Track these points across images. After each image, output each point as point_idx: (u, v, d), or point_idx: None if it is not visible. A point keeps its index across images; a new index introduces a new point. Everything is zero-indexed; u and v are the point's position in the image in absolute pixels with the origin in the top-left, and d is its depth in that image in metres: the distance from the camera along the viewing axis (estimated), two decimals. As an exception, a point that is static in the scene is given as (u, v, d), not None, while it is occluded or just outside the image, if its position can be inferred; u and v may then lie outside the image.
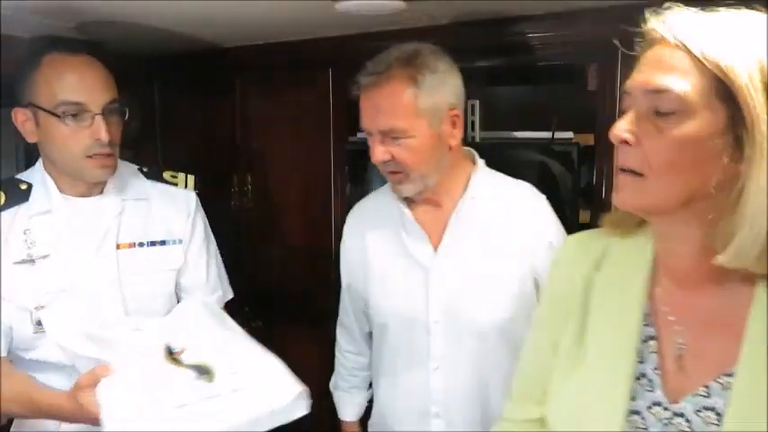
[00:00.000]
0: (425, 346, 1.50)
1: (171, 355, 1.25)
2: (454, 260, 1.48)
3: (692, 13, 0.80)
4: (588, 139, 1.90)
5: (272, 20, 1.88)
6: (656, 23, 0.82)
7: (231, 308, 1.74)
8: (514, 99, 2.22)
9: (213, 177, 2.36)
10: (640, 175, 0.81)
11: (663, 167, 0.79)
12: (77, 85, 1.38)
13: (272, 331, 2.34)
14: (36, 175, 1.50)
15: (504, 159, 2.02)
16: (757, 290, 0.81)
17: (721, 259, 0.78)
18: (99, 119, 1.39)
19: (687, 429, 0.83)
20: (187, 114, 2.49)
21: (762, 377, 0.77)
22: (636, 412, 0.87)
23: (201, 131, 2.49)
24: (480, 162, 1.56)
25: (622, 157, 0.83)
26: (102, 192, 1.51)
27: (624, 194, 0.84)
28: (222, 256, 1.72)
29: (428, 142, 1.41)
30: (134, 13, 1.76)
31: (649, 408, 0.87)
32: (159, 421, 1.14)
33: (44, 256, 1.43)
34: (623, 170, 0.83)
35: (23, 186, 1.48)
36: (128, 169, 1.59)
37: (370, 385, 1.73)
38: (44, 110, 1.38)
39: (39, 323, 1.39)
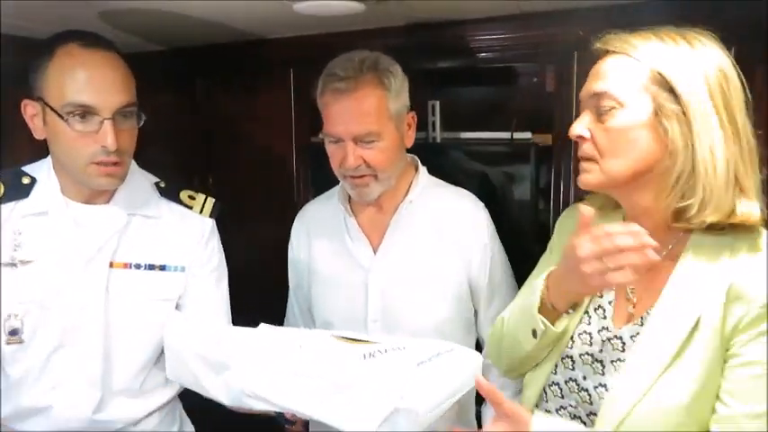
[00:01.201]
0: None
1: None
2: (392, 262, 1.53)
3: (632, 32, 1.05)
4: (546, 140, 1.93)
5: (231, 20, 1.88)
6: (600, 42, 1.06)
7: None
8: (474, 100, 2.24)
9: (173, 179, 2.34)
10: (595, 161, 1.04)
11: (608, 151, 1.02)
12: (87, 84, 1.26)
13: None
14: (43, 170, 1.39)
15: (464, 159, 2.06)
16: (688, 247, 1.02)
17: (692, 212, 0.98)
18: (108, 124, 1.27)
19: (620, 348, 1.05)
20: (146, 115, 2.46)
21: (672, 309, 0.99)
22: (588, 333, 1.11)
23: (161, 132, 2.46)
24: (422, 169, 1.61)
25: (580, 150, 1.06)
26: (108, 201, 1.39)
27: (585, 176, 1.07)
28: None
29: (395, 144, 1.46)
30: (91, 12, 1.73)
31: (599, 331, 1.10)
32: None
33: (27, 262, 1.33)
34: (582, 159, 1.06)
35: (26, 181, 1.37)
36: (143, 181, 1.48)
37: None
38: (51, 108, 1.27)
39: (13, 332, 1.31)
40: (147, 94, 2.42)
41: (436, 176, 1.64)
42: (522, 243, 1.93)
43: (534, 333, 1.09)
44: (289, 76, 2.14)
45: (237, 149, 2.33)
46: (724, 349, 0.95)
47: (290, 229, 1.74)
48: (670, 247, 1.04)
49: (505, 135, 2.02)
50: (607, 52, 1.04)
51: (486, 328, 1.56)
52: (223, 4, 1.67)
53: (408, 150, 1.60)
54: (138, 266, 1.40)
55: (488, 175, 2.02)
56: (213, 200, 1.53)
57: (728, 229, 0.98)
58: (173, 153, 2.42)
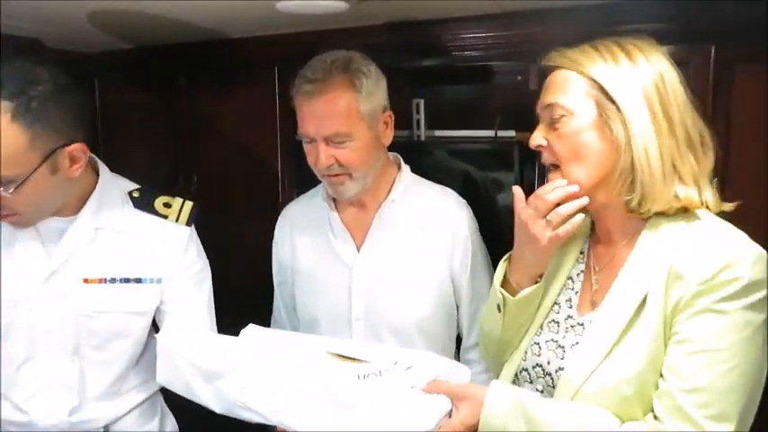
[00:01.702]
0: None
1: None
2: (375, 260, 1.55)
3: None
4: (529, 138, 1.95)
5: (216, 18, 1.87)
6: (545, 59, 1.15)
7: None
8: (459, 98, 2.25)
9: (157, 178, 2.33)
10: (558, 168, 1.12)
11: (566, 157, 1.10)
12: None
13: (223, 331, 2.33)
14: None
15: (447, 157, 2.07)
16: (639, 239, 1.09)
17: (633, 204, 1.07)
18: None
19: (580, 334, 1.13)
20: (129, 113, 2.45)
21: (623, 291, 1.06)
22: (555, 322, 1.19)
23: (144, 130, 2.45)
24: (405, 167, 1.62)
25: (542, 158, 1.15)
26: (76, 213, 1.37)
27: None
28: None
29: (369, 143, 1.47)
30: (74, 10, 1.72)
31: (566, 319, 1.18)
32: None
33: None
34: (549, 168, 1.15)
35: None
36: (115, 192, 1.44)
37: None
38: None
39: None
40: (131, 92, 2.44)
41: (420, 174, 1.65)
42: (506, 240, 1.94)
43: (498, 308, 1.19)
44: (273, 74, 2.14)
45: (223, 148, 2.32)
46: (667, 328, 1.01)
47: (275, 226, 1.74)
48: (628, 237, 1.13)
49: (489, 133, 2.03)
50: (553, 67, 1.13)
51: (467, 324, 1.59)
52: (207, 3, 1.66)
53: (392, 148, 1.61)
54: (113, 281, 1.39)
55: (472, 173, 2.03)
56: (191, 203, 1.49)
57: (680, 214, 1.07)
58: (157, 151, 2.42)
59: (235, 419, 1.25)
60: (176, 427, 1.66)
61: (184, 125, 2.37)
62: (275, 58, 2.10)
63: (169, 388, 1.34)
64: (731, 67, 1.56)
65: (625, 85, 1.05)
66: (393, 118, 1.54)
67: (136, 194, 1.46)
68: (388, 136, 1.53)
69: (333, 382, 1.14)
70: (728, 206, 1.09)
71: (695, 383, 0.96)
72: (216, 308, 2.23)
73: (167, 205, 1.47)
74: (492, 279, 1.60)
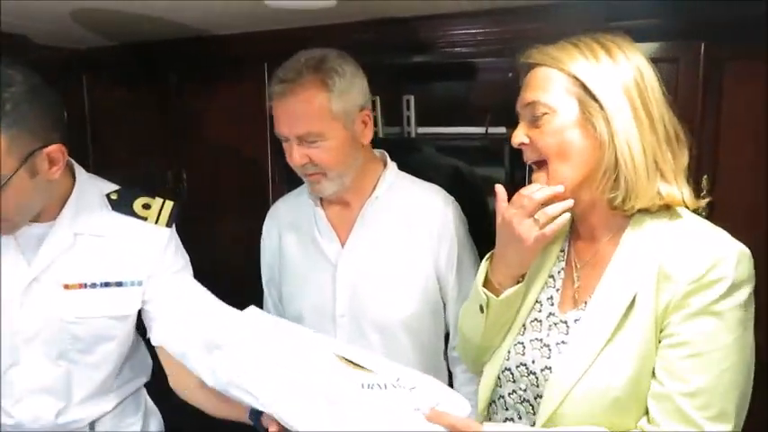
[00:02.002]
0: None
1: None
2: (360, 257, 1.55)
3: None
4: (520, 135, 1.94)
5: (204, 14, 1.86)
6: (523, 56, 1.14)
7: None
8: (449, 95, 2.25)
9: (147, 175, 2.32)
10: (541, 166, 1.11)
11: (552, 153, 1.09)
12: None
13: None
14: None
15: (438, 154, 2.07)
16: (623, 237, 1.09)
17: (617, 201, 1.07)
18: None
19: (564, 332, 1.12)
20: (118, 109, 2.43)
21: (607, 295, 1.06)
22: (538, 320, 1.18)
23: (134, 127, 2.43)
24: (391, 164, 1.62)
25: (525, 156, 1.14)
26: (54, 219, 1.35)
27: (541, 180, 1.12)
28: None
29: (344, 143, 1.46)
30: (59, 7, 1.71)
31: (548, 317, 1.17)
32: None
33: None
34: (533, 167, 1.14)
35: None
36: (93, 196, 1.41)
37: None
38: None
39: None
40: (119, 89, 2.42)
41: (410, 171, 1.64)
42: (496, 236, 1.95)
43: (481, 308, 1.17)
44: (262, 71, 2.13)
45: (212, 145, 2.31)
46: (658, 329, 1.01)
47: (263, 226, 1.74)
48: (611, 234, 1.13)
49: (480, 130, 2.03)
50: (533, 65, 1.12)
51: (454, 322, 1.58)
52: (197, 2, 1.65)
53: (382, 145, 1.60)
54: (93, 285, 1.37)
55: (462, 170, 2.03)
56: (171, 203, 1.47)
57: (662, 212, 1.08)
58: (147, 149, 2.40)
59: (221, 421, 1.25)
60: (162, 425, 1.66)
61: (173, 122, 2.35)
62: (265, 54, 2.08)
63: (166, 347, 1.35)
64: (721, 65, 1.57)
65: (606, 82, 1.05)
66: (372, 117, 1.52)
67: (114, 197, 1.43)
68: (367, 135, 1.52)
69: (336, 384, 1.12)
70: (703, 203, 1.11)
71: (695, 386, 0.97)
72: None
73: (147, 206, 1.45)
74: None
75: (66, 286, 1.35)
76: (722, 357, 0.97)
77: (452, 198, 1.61)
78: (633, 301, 1.03)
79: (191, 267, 1.54)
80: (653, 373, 1.02)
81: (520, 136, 1.13)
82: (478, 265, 1.60)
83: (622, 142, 1.03)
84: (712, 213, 1.41)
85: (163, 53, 2.26)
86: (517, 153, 1.96)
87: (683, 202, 1.07)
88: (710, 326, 0.97)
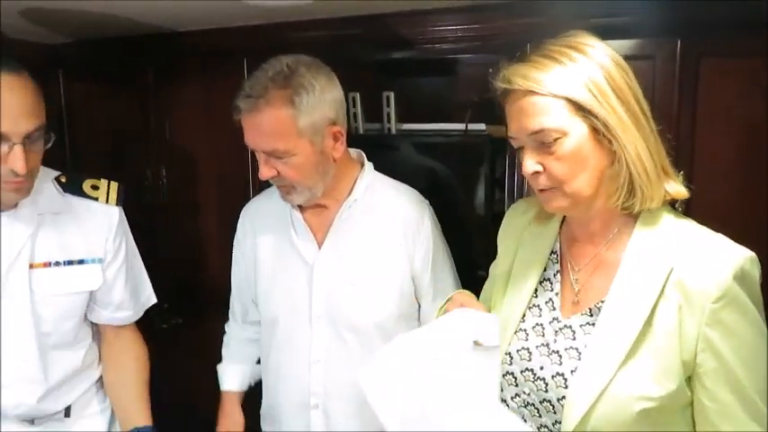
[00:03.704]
0: (308, 339, 1.55)
1: None
2: (336, 259, 1.54)
3: (527, 61, 1.07)
4: (500, 131, 1.95)
5: (182, 9, 1.84)
6: (503, 81, 1.08)
7: (150, 306, 1.71)
8: (429, 91, 2.25)
9: (125, 172, 2.29)
10: (558, 188, 1.07)
11: (568, 176, 1.06)
12: (1, 110, 1.25)
13: (193, 328, 2.31)
14: None
15: (418, 151, 2.07)
16: (631, 240, 1.08)
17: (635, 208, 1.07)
18: (18, 149, 1.26)
19: (571, 337, 1.11)
20: (96, 105, 2.40)
21: (623, 302, 1.05)
22: (540, 325, 1.16)
23: (111, 123, 2.40)
24: (368, 165, 1.61)
25: (538, 184, 1.09)
26: (16, 205, 1.40)
27: (552, 204, 1.11)
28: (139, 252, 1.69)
29: (311, 158, 1.44)
30: (33, 3, 1.68)
31: (550, 322, 1.15)
32: None
33: None
34: (542, 190, 1.10)
35: None
36: (45, 180, 1.47)
37: (259, 362, 1.77)
38: None
39: None
40: (96, 84, 2.39)
41: (391, 167, 1.64)
42: (476, 233, 1.96)
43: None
44: (242, 67, 2.11)
45: (191, 142, 2.29)
46: (685, 351, 1.00)
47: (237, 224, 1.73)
48: (611, 236, 1.13)
49: (460, 126, 2.03)
50: (516, 90, 1.07)
51: (427, 321, 1.57)
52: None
53: (363, 142, 1.60)
54: (57, 264, 1.44)
55: (443, 167, 2.04)
56: (116, 184, 1.56)
57: (665, 208, 1.09)
58: (124, 145, 2.38)
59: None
60: None
61: (151, 118, 2.33)
62: (244, 50, 2.07)
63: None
64: (697, 62, 1.58)
65: (599, 93, 1.03)
66: (344, 133, 1.49)
67: (63, 179, 1.51)
68: (339, 149, 1.48)
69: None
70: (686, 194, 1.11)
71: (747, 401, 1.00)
72: (186, 304, 2.22)
73: (95, 187, 1.53)
74: (454, 276, 1.62)
75: (32, 266, 1.40)
76: (763, 364, 1.00)
77: (426, 201, 1.61)
78: (650, 314, 1.02)
79: (135, 248, 1.63)
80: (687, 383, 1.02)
81: (531, 165, 1.08)
82: (452, 265, 1.62)
83: (629, 147, 1.02)
84: (688, 210, 1.43)
85: (140, 48, 2.23)
86: (497, 149, 1.98)
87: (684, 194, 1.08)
88: (748, 340, 0.99)
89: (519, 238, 1.28)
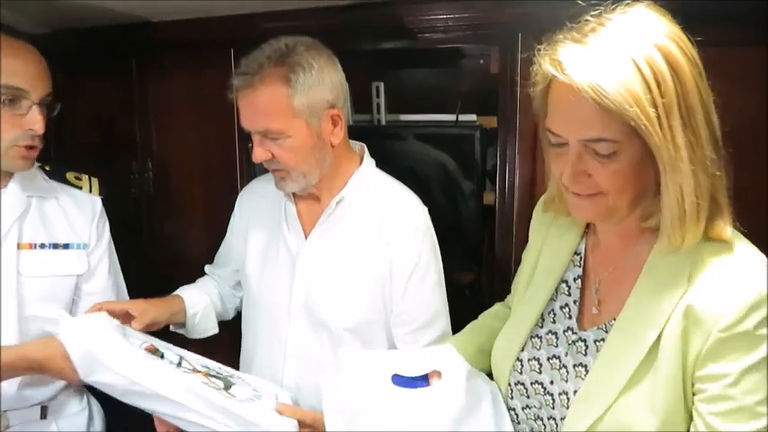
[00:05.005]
0: (285, 331, 1.53)
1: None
2: (319, 253, 1.50)
3: (587, 45, 0.92)
4: (491, 122, 1.94)
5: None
6: (556, 70, 0.92)
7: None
8: (420, 82, 2.24)
9: (111, 164, 2.27)
10: (600, 194, 0.97)
11: (615, 189, 0.96)
12: (22, 70, 1.34)
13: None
14: None
15: (409, 141, 2.06)
16: (652, 256, 1.00)
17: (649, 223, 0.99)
18: (36, 109, 1.35)
19: (583, 352, 1.05)
20: (80, 96, 2.37)
21: (632, 324, 0.98)
22: (554, 333, 1.11)
23: (96, 115, 2.37)
24: (367, 161, 1.55)
25: (578, 187, 0.99)
26: (6, 186, 1.43)
27: (586, 211, 1.03)
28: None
29: (307, 141, 1.40)
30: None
31: (565, 331, 1.09)
32: None
33: None
34: (577, 194, 1.00)
35: None
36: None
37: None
38: None
39: None
40: (81, 74, 2.35)
41: (380, 159, 1.60)
42: (468, 225, 1.95)
43: None
44: (229, 56, 2.08)
45: (178, 133, 2.26)
46: (688, 377, 0.94)
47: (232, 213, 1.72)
48: (639, 247, 1.04)
49: (451, 117, 2.02)
50: (564, 83, 0.91)
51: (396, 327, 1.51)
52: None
53: (352, 132, 1.56)
54: (42, 246, 1.46)
55: (434, 157, 2.02)
56: (96, 179, 1.61)
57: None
58: (109, 137, 2.34)
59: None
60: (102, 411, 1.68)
61: (137, 109, 2.29)
62: (231, 39, 2.04)
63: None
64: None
65: (665, 113, 0.88)
66: (343, 116, 1.45)
67: (47, 168, 1.55)
68: (338, 135, 1.44)
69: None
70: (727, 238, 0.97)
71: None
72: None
73: (78, 178, 1.59)
74: (442, 301, 1.52)
75: (19, 245, 1.43)
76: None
77: (425, 208, 1.51)
78: (658, 339, 0.94)
79: (112, 241, 1.64)
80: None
81: (575, 173, 0.97)
82: (442, 290, 1.51)
83: (671, 185, 0.91)
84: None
85: (125, 38, 2.20)
86: (487, 140, 1.97)
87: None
88: (758, 374, 0.90)
89: (545, 234, 1.22)
